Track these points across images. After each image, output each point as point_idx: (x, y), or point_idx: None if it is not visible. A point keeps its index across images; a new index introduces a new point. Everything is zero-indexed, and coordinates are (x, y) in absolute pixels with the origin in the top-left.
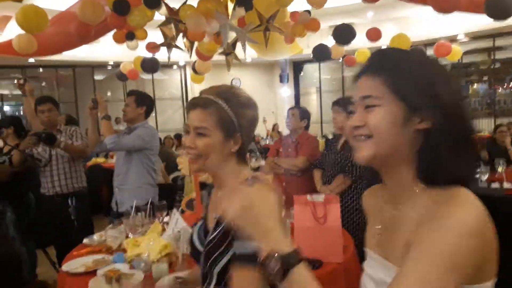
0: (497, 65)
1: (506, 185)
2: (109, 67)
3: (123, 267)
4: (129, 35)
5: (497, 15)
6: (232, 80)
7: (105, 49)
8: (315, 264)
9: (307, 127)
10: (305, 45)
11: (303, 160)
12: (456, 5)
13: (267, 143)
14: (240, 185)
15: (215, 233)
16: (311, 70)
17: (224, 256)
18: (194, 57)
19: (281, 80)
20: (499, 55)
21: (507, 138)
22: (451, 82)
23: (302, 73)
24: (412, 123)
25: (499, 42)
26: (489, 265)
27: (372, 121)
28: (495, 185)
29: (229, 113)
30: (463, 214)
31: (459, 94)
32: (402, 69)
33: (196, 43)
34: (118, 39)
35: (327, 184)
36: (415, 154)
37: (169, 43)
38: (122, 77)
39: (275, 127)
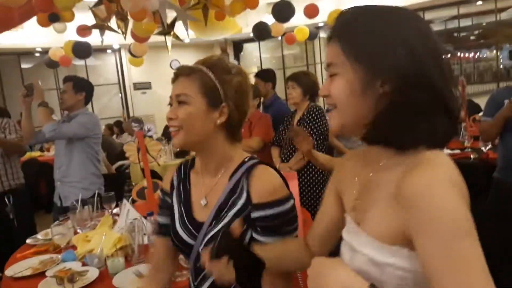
0: None
1: (446, 151)
2: (37, 54)
3: (74, 265)
4: (52, 17)
5: None
6: (171, 61)
7: (31, 35)
8: None
9: (258, 106)
10: (244, 24)
11: (258, 141)
12: None
13: None
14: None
15: (218, 226)
16: (251, 49)
17: None
18: (129, 40)
19: None
20: None
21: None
22: (419, 41)
23: (242, 53)
24: (373, 87)
25: (428, 15)
26: None
27: (333, 90)
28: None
29: (212, 78)
30: (436, 172)
31: (431, 55)
32: (358, 32)
33: (130, 24)
34: (42, 22)
35: (285, 161)
36: (381, 118)
37: (102, 25)
38: (52, 64)
39: None
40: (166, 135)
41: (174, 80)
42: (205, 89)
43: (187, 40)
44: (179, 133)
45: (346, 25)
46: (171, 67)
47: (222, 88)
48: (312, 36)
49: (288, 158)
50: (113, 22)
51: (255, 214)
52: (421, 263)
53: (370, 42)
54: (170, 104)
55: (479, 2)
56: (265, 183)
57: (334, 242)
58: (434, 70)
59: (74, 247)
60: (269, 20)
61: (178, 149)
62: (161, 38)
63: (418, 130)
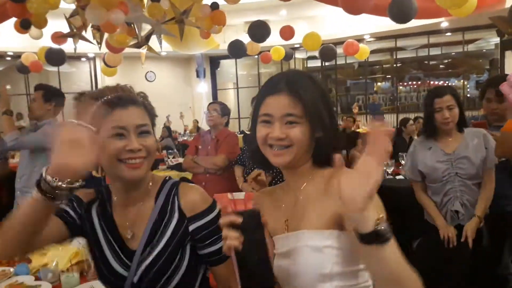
0: (399, 64)
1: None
2: (8, 58)
3: (27, 279)
4: (24, 23)
5: (399, 18)
6: (146, 73)
7: (3, 38)
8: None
9: (227, 124)
10: (222, 40)
11: (223, 159)
12: (363, 7)
13: (186, 139)
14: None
15: (154, 252)
16: (227, 66)
17: (175, 275)
18: (105, 49)
19: (198, 75)
20: (400, 55)
21: (414, 132)
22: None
23: (219, 69)
24: (313, 133)
25: (400, 43)
26: None
27: (294, 135)
28: (400, 177)
29: (152, 109)
30: None
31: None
32: (313, 95)
33: (106, 35)
34: (18, 28)
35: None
36: (311, 150)
37: (75, 33)
38: (23, 69)
39: (195, 123)
40: None
41: (121, 108)
42: (151, 117)
43: (163, 53)
44: (142, 164)
45: (305, 87)
46: (146, 79)
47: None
48: (288, 56)
49: None
50: (89, 31)
51: (192, 227)
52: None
53: (317, 103)
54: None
55: (448, 34)
56: (194, 195)
57: None
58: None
59: (28, 260)
60: (247, 38)
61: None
62: (137, 49)
63: (330, 154)
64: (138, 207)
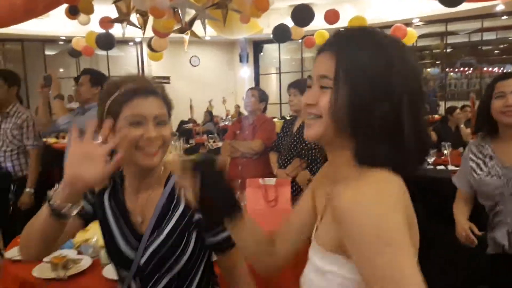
0: (449, 49)
1: (450, 167)
2: (61, 42)
3: (70, 253)
4: (72, 10)
5: (448, 2)
6: (191, 58)
7: (56, 23)
8: None
9: (264, 110)
10: (266, 24)
11: (259, 144)
12: None
13: (227, 123)
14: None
15: (161, 236)
16: (270, 50)
17: (180, 261)
18: (149, 33)
19: (241, 60)
20: (451, 40)
21: (461, 121)
22: (409, 74)
23: (262, 53)
24: (355, 106)
25: (451, 27)
26: (412, 239)
27: (323, 102)
28: (441, 167)
29: (170, 101)
30: (381, 191)
31: (415, 89)
32: (358, 55)
33: (150, 20)
34: (69, 15)
35: (283, 167)
36: (355, 137)
37: (123, 19)
38: (75, 53)
39: (236, 108)
40: (181, 131)
41: (141, 97)
42: (169, 108)
43: (207, 38)
44: (158, 153)
45: (345, 44)
46: (190, 63)
47: (171, 107)
48: None
49: (286, 164)
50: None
51: (198, 216)
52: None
53: (368, 68)
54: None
55: (504, 17)
56: None
57: (300, 245)
58: (406, 99)
59: (73, 235)
60: (291, 22)
61: (188, 146)
62: (180, 34)
63: (378, 152)
64: (149, 193)
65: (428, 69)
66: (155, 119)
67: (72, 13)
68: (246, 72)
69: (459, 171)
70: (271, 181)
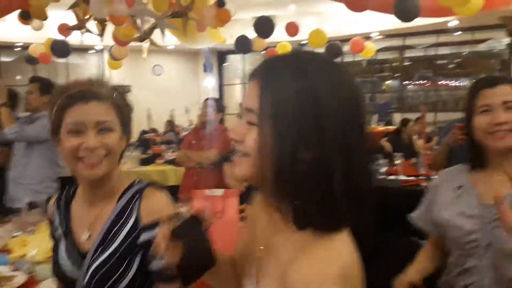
0: (407, 63)
1: (401, 177)
2: (18, 49)
3: (4, 270)
4: (23, 14)
5: (404, 16)
6: (153, 66)
7: (12, 29)
8: None
9: (221, 120)
10: (229, 35)
11: (214, 154)
12: (366, 4)
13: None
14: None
15: (105, 254)
16: (235, 61)
17: (123, 279)
18: (110, 41)
19: (205, 70)
20: (409, 54)
21: (415, 132)
22: (341, 108)
23: (226, 64)
24: (280, 144)
25: (408, 41)
26: None
27: (249, 140)
28: (392, 177)
29: (124, 104)
30: (329, 264)
31: (350, 124)
32: (281, 88)
33: (111, 28)
34: (21, 19)
35: None
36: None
37: (80, 26)
38: (32, 60)
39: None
40: (142, 141)
41: (78, 101)
42: (121, 114)
43: (171, 47)
44: (102, 164)
45: (269, 75)
46: (153, 72)
47: (128, 112)
48: None
49: None
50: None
51: (144, 236)
52: None
53: (289, 101)
54: (78, 130)
55: (458, 32)
56: (154, 203)
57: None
58: (338, 142)
59: (9, 251)
60: (254, 34)
61: (145, 156)
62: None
63: (311, 208)
64: (101, 207)
65: (388, 82)
66: (97, 126)
67: (24, 17)
68: (210, 82)
69: (421, 205)
70: (218, 192)
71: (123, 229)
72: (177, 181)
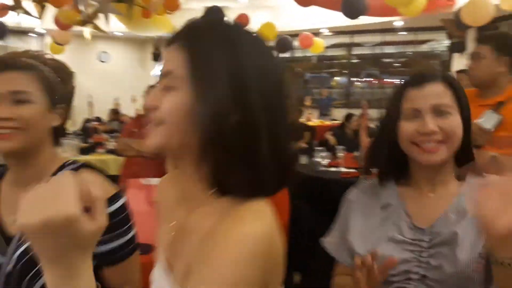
0: (355, 60)
1: (342, 169)
2: None
3: None
4: None
5: (350, 14)
6: (99, 53)
7: None
8: (146, 249)
9: None
10: (180, 24)
11: None
12: (314, 0)
13: None
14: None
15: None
16: None
17: None
18: (52, 25)
19: (154, 58)
20: (356, 51)
21: (360, 127)
22: (268, 79)
23: None
24: (201, 107)
25: (356, 39)
26: (275, 278)
27: (166, 105)
28: (333, 169)
29: (53, 77)
30: (246, 233)
31: (275, 96)
32: (210, 52)
33: (50, 9)
34: None
35: None
36: (205, 153)
37: (18, 6)
38: None
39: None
40: (85, 130)
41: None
42: (47, 87)
43: (119, 34)
44: (14, 138)
45: (196, 38)
46: (99, 59)
47: (62, 88)
48: None
49: None
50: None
51: None
52: None
53: (217, 65)
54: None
55: (403, 32)
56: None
57: None
58: (263, 108)
59: None
60: None
61: (84, 145)
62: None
63: (232, 176)
64: (29, 190)
65: (337, 78)
66: (11, 96)
67: None
68: (159, 71)
69: (334, 228)
70: (155, 181)
71: None
72: (118, 170)
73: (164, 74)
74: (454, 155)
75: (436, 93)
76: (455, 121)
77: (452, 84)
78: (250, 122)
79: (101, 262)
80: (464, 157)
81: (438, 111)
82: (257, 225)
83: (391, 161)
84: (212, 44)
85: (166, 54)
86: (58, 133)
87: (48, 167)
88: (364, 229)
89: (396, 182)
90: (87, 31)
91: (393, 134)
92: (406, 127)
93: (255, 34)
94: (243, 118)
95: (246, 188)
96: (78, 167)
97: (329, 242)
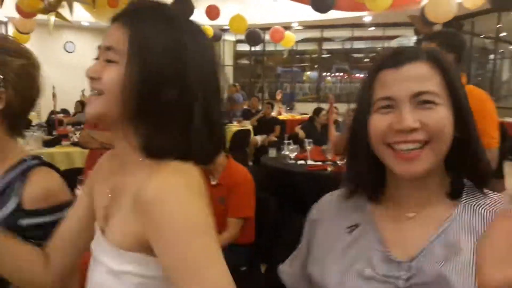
0: (325, 55)
1: (309, 162)
2: None
3: None
4: None
5: (320, 8)
6: (65, 43)
7: None
8: None
9: None
10: None
11: None
12: None
13: None
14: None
15: None
16: None
17: None
18: (15, 13)
19: None
20: (327, 46)
21: (328, 121)
22: (203, 60)
23: None
24: (138, 81)
25: (326, 34)
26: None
27: (107, 77)
28: (301, 162)
29: (13, 64)
30: (177, 175)
31: (209, 77)
32: (150, 31)
33: None
34: None
35: None
36: (141, 123)
37: None
38: None
39: None
40: (50, 122)
41: None
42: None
43: (85, 24)
44: None
45: (138, 17)
46: (64, 49)
47: (0, 70)
48: (216, 37)
49: None
50: None
51: (25, 222)
52: (162, 268)
53: (157, 43)
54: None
55: (372, 28)
56: (41, 187)
57: (77, 254)
58: (198, 85)
59: None
60: None
61: (48, 138)
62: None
63: (165, 144)
64: None
65: (308, 72)
66: None
67: None
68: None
69: (294, 255)
70: None
71: (2, 208)
72: (83, 163)
73: (106, 48)
74: (444, 162)
75: (417, 76)
76: (442, 114)
77: (441, 65)
78: (185, 97)
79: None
80: (460, 165)
81: (420, 101)
82: (184, 178)
83: (363, 169)
84: (152, 23)
85: (109, 30)
86: (16, 123)
87: (4, 157)
88: (327, 258)
89: (369, 197)
90: (51, 20)
91: (364, 132)
92: (377, 123)
93: (192, 20)
94: (179, 92)
95: (176, 154)
96: (37, 164)
97: (287, 272)
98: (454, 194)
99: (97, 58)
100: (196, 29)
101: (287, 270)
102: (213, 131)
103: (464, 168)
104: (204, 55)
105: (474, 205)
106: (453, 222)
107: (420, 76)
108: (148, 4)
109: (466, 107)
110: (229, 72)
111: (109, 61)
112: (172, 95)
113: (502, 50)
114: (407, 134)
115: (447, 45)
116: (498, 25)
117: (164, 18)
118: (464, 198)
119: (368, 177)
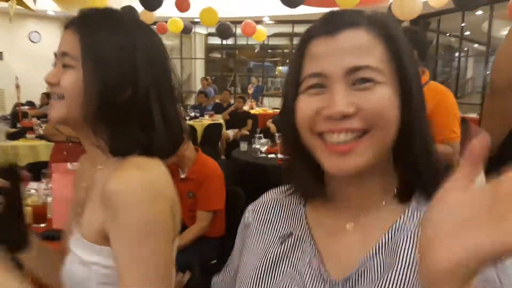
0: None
1: (280, 155)
2: None
3: None
4: None
5: (289, 3)
6: (30, 33)
7: None
8: (59, 235)
9: None
10: (117, 4)
11: None
12: None
13: None
14: None
15: None
16: None
17: None
18: None
19: None
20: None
21: None
22: (154, 59)
23: None
24: (94, 85)
25: (297, 29)
26: (175, 221)
27: (65, 83)
28: (272, 155)
29: None
30: (137, 172)
31: (161, 75)
32: (101, 36)
33: None
34: None
35: None
36: (103, 124)
37: None
38: None
39: None
40: (14, 114)
41: None
42: None
43: (51, 13)
44: None
45: (89, 24)
46: (29, 39)
47: None
48: (187, 29)
49: None
50: None
51: None
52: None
53: (108, 48)
54: None
55: None
56: None
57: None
58: (151, 83)
59: None
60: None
61: (12, 131)
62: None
63: (128, 142)
64: None
65: (280, 67)
66: None
67: None
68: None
69: (228, 265)
70: None
71: None
72: (49, 157)
73: (61, 54)
74: (392, 156)
75: (354, 47)
76: (383, 95)
77: (386, 32)
78: (140, 95)
79: None
80: (406, 160)
81: (357, 79)
82: (153, 173)
83: (295, 165)
84: (102, 29)
85: (62, 37)
86: None
87: None
88: (254, 274)
89: (305, 199)
90: (11, 8)
91: (293, 119)
92: (303, 107)
93: (144, 23)
94: (134, 94)
95: (140, 150)
96: None
97: (220, 282)
98: (402, 196)
99: (55, 64)
100: (146, 29)
101: (220, 279)
102: (170, 126)
103: (410, 164)
104: (154, 54)
105: (426, 209)
106: (398, 231)
107: (357, 47)
108: (97, 11)
109: (416, 87)
110: (200, 65)
111: (66, 66)
112: (127, 95)
113: (466, 49)
114: (339, 121)
115: (410, 41)
116: (462, 24)
117: (113, 21)
118: (414, 201)
119: (302, 174)
